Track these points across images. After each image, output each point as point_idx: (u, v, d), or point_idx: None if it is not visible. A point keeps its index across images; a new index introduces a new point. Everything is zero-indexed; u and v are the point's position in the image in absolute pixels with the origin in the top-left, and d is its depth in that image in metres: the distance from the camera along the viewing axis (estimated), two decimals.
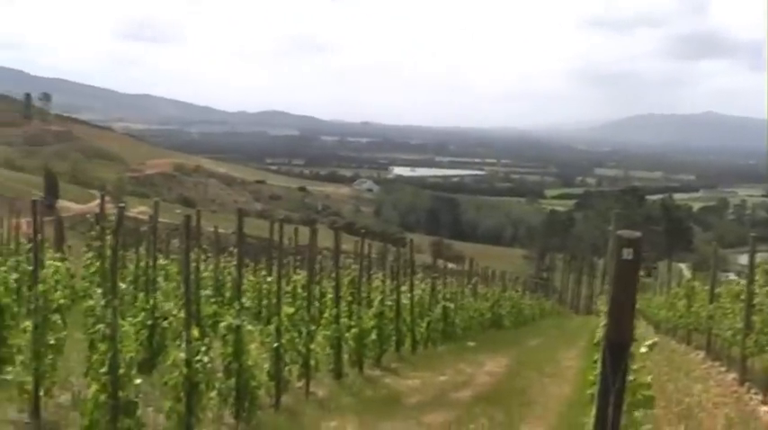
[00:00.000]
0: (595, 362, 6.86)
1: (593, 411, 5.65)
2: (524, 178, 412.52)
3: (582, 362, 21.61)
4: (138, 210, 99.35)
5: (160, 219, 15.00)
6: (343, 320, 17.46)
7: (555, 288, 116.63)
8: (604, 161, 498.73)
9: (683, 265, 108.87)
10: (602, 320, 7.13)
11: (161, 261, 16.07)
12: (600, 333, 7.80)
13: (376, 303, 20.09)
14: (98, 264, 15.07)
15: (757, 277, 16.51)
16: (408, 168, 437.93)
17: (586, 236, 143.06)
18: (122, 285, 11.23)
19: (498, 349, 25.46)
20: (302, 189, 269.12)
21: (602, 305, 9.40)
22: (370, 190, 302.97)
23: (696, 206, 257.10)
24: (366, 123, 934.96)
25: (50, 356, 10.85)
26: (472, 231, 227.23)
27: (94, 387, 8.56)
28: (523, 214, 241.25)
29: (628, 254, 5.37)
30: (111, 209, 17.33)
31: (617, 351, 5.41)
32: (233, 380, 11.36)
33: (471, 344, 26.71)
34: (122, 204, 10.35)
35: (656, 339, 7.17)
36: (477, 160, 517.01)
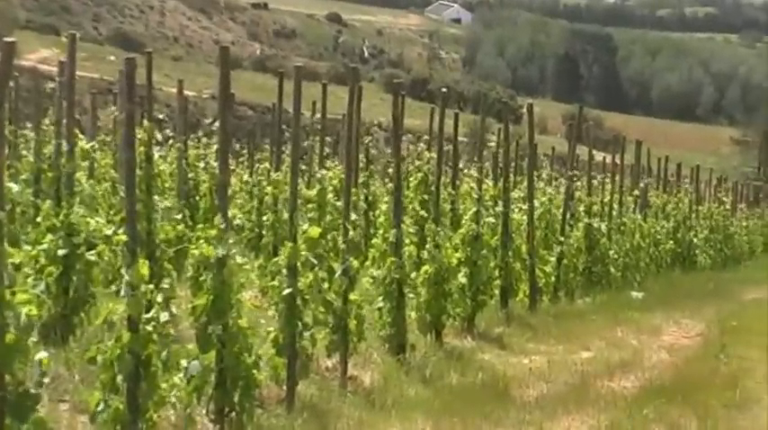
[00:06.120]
0: None
1: None
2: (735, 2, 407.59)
3: None
4: (41, 55, 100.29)
5: (79, 72, 14.95)
6: (409, 249, 17.37)
7: None
8: None
9: None
10: None
11: (81, 144, 16.00)
12: None
13: (466, 221, 19.93)
14: None
15: None
16: None
17: None
18: (13, 186, 11.19)
19: (686, 305, 25.34)
20: (334, 19, 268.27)
21: None
22: (456, 20, 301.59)
23: None
24: None
25: None
26: (639, 95, 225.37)
27: None
28: (736, 64, 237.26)
29: None
30: None
31: None
32: (212, 354, 11.16)
33: (637, 295, 26.60)
34: (10, 39, 10.25)
35: None
36: None
